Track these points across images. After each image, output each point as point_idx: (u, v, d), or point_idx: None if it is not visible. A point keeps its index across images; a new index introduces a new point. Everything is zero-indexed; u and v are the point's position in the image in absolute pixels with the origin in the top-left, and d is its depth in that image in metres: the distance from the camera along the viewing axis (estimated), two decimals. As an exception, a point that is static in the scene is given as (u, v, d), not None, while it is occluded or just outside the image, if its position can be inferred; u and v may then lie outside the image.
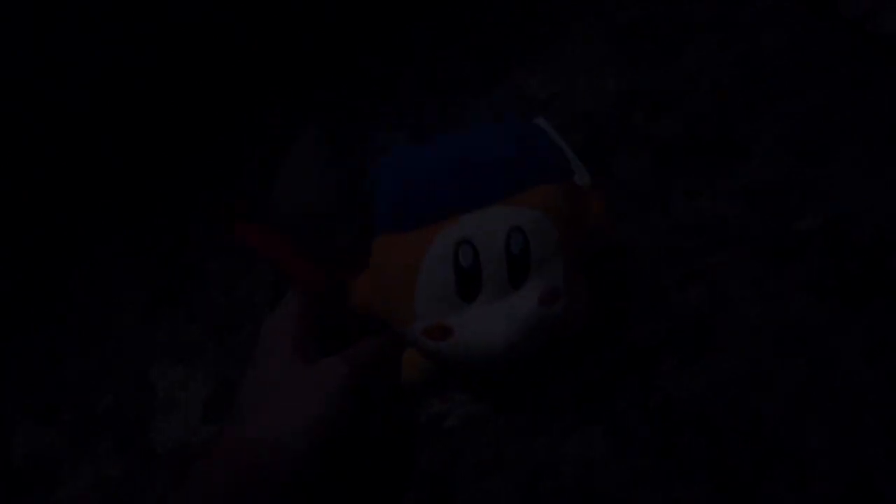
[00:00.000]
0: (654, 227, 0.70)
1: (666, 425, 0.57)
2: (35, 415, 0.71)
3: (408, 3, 1.08)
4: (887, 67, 0.77)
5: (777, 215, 0.68)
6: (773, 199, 0.70)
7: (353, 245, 0.52)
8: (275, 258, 0.52)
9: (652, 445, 0.56)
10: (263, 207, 0.51)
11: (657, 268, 0.67)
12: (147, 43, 0.97)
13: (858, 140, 0.72)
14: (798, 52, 0.81)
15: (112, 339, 0.75)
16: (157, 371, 0.72)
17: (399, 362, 0.54)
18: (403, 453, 0.59)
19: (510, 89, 0.89)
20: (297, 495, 0.46)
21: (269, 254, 0.52)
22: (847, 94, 0.76)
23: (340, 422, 0.48)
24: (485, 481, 0.58)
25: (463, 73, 0.94)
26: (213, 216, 0.73)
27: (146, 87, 1.00)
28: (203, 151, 0.94)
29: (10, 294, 0.90)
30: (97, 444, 0.69)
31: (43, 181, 0.95)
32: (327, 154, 0.44)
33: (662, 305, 0.64)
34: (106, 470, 0.67)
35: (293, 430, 0.46)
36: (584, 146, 0.78)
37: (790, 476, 0.52)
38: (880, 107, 0.74)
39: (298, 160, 0.44)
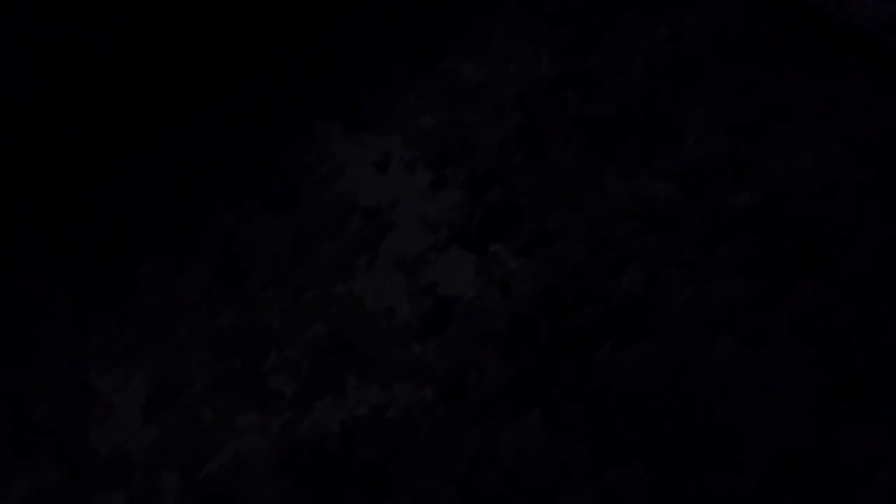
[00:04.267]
0: (588, 212, 0.70)
1: (601, 410, 0.57)
2: (-30, 427, 0.70)
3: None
4: (811, 42, 0.77)
5: (710, 194, 0.69)
6: (706, 177, 0.70)
7: None
8: None
9: (587, 431, 0.56)
10: None
11: (591, 252, 0.67)
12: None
13: (789, 116, 0.73)
14: (724, 30, 0.81)
15: (46, 348, 0.73)
16: (95, 376, 0.71)
17: None
18: None
19: (443, 75, 0.88)
20: None
21: None
22: (775, 70, 0.76)
23: None
24: (423, 475, 0.58)
25: (394, 61, 0.93)
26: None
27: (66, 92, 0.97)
28: (129, 156, 0.92)
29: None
30: (35, 453, 0.68)
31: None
32: None
33: (596, 290, 0.64)
34: (47, 477, 0.66)
35: None
36: (518, 132, 0.77)
37: (724, 456, 0.53)
38: (808, 82, 0.74)
39: None
